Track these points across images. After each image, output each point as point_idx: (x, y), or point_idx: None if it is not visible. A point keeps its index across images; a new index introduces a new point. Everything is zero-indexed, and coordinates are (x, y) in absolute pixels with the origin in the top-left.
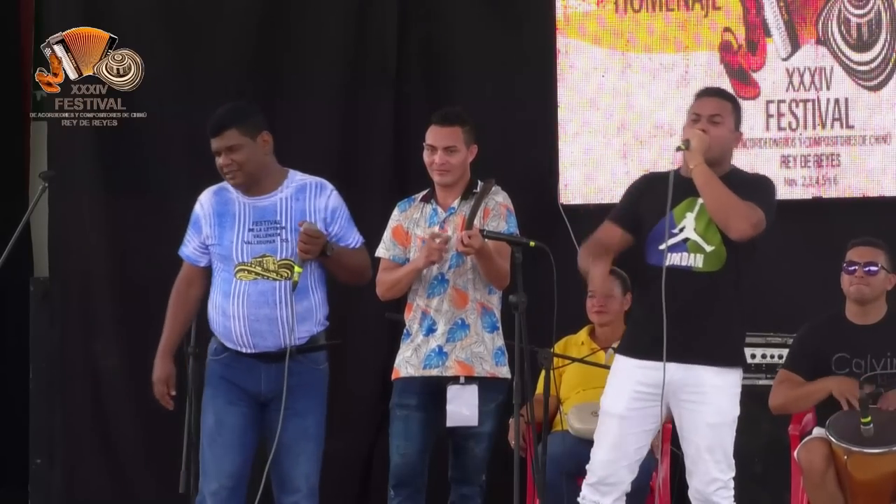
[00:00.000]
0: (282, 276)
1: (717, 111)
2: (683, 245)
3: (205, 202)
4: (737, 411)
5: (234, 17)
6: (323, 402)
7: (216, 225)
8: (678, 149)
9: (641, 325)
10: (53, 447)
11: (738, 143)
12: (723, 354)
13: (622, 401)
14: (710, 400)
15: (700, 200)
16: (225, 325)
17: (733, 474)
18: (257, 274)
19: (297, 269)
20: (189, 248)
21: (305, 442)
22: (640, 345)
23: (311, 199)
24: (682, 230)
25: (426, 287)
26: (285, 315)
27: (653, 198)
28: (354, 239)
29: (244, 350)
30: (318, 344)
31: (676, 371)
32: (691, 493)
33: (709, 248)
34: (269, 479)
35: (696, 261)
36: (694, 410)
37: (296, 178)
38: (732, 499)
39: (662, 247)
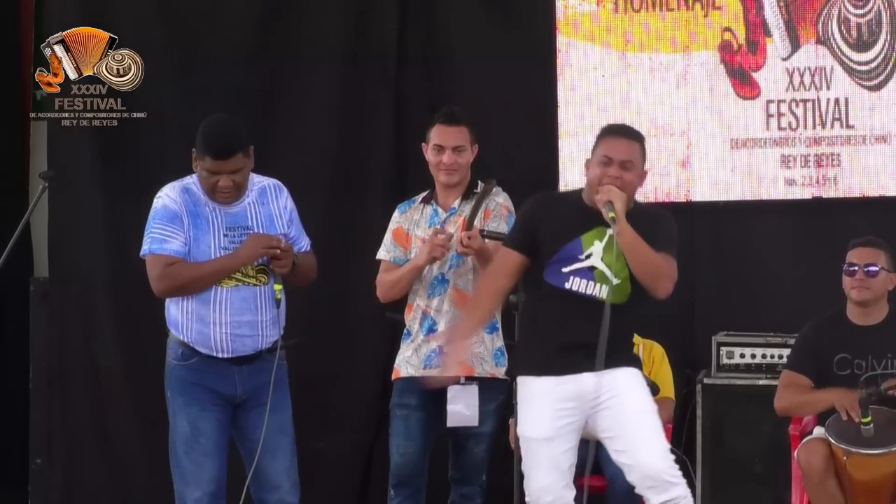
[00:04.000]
0: (260, 281)
1: (628, 156)
2: (590, 273)
3: (177, 199)
4: (652, 404)
5: (234, 17)
6: (289, 397)
7: (192, 226)
8: (610, 216)
9: (545, 341)
10: (53, 447)
11: (642, 182)
12: (626, 358)
13: (545, 423)
14: (625, 390)
15: (609, 231)
16: (202, 332)
17: (674, 457)
18: (238, 280)
19: (276, 286)
20: (177, 242)
21: (281, 437)
22: (550, 361)
23: (274, 201)
24: (588, 257)
25: (427, 287)
26: (265, 319)
27: (557, 222)
28: (306, 241)
29: (220, 355)
30: (289, 342)
31: (590, 379)
32: (639, 487)
33: (616, 281)
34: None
35: (601, 291)
36: (614, 406)
37: (255, 180)
38: (681, 476)
39: (566, 269)
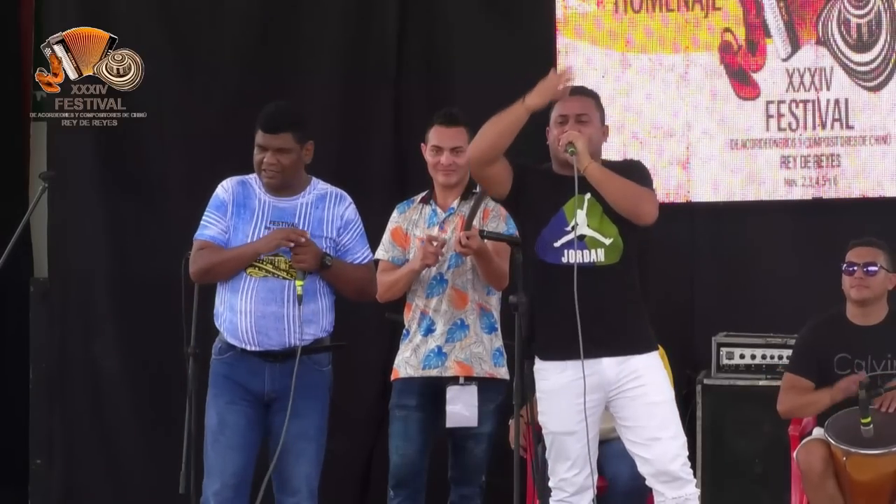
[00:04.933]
0: (292, 275)
1: (582, 110)
2: (581, 242)
3: (229, 188)
4: (671, 392)
5: (234, 17)
6: (325, 405)
7: (234, 215)
8: (571, 153)
9: (556, 325)
10: (53, 447)
11: (605, 137)
12: (645, 341)
13: (569, 418)
14: (648, 381)
15: (587, 196)
16: (231, 321)
17: (688, 453)
18: (267, 271)
19: (298, 282)
20: (215, 228)
21: (305, 443)
22: (567, 347)
23: (330, 207)
24: (574, 227)
25: (425, 287)
26: (292, 314)
27: (538, 193)
28: (362, 254)
29: (249, 347)
30: (322, 345)
31: (611, 366)
32: (651, 479)
33: (607, 241)
34: (270, 479)
35: (597, 256)
36: (636, 396)
37: (318, 185)
38: (693, 474)
39: (557, 244)
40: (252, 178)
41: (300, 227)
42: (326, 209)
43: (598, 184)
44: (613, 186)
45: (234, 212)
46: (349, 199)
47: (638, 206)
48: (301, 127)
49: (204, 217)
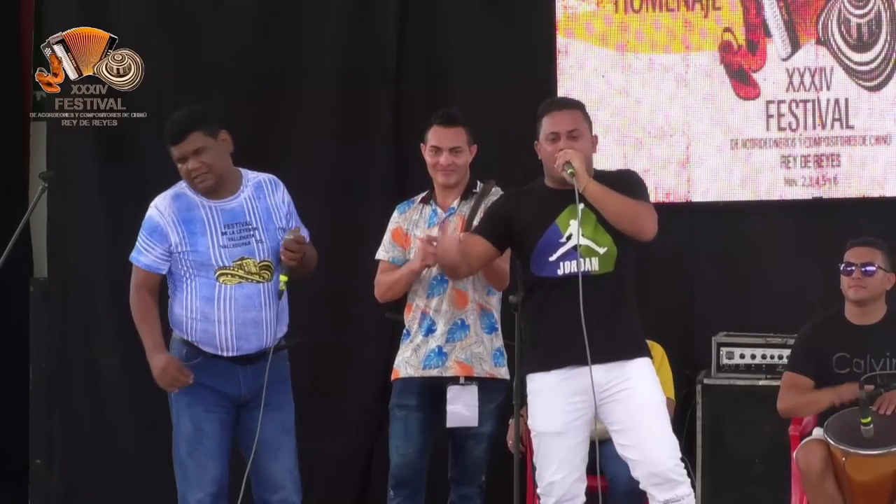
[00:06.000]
0: (263, 277)
1: (573, 125)
2: (575, 252)
3: (164, 209)
4: (662, 396)
5: (234, 17)
6: (291, 396)
7: (185, 232)
8: (570, 174)
9: (551, 336)
10: (53, 447)
11: (595, 148)
12: (636, 347)
13: (557, 418)
14: (635, 384)
15: (581, 206)
16: (207, 331)
17: (680, 455)
18: (241, 277)
19: (282, 277)
20: (150, 256)
21: (285, 436)
22: (557, 356)
23: (271, 195)
24: (569, 238)
25: (426, 287)
26: (269, 317)
27: (529, 215)
28: (305, 233)
29: (225, 354)
30: (292, 341)
31: (598, 373)
32: (643, 482)
33: (601, 250)
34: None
35: (592, 265)
36: (623, 399)
37: (249, 176)
38: (686, 475)
39: (553, 258)
40: (186, 187)
41: (253, 224)
42: (268, 198)
43: (597, 202)
44: (613, 205)
45: (183, 230)
46: (280, 181)
47: (638, 223)
48: (204, 121)
49: (140, 239)
